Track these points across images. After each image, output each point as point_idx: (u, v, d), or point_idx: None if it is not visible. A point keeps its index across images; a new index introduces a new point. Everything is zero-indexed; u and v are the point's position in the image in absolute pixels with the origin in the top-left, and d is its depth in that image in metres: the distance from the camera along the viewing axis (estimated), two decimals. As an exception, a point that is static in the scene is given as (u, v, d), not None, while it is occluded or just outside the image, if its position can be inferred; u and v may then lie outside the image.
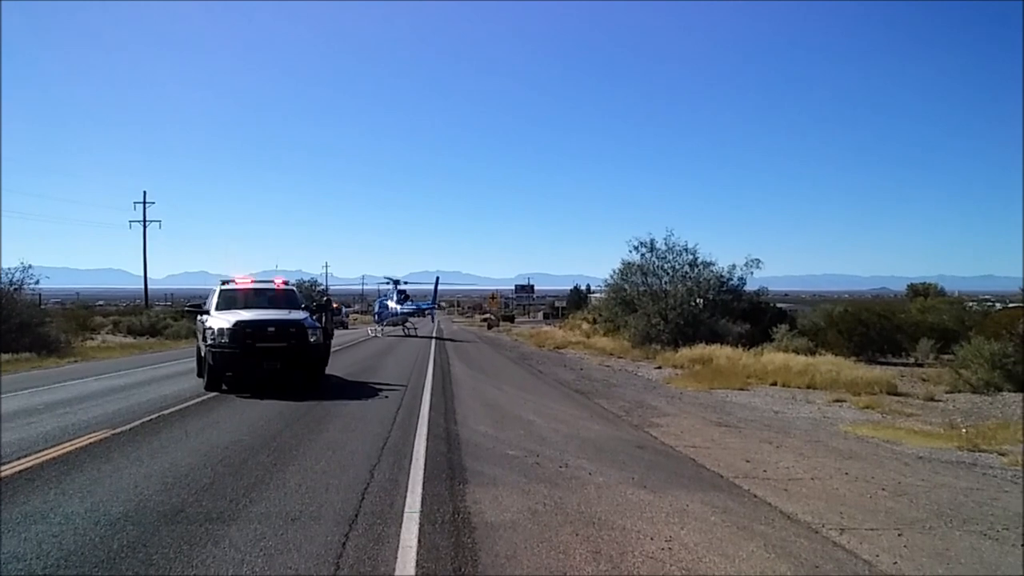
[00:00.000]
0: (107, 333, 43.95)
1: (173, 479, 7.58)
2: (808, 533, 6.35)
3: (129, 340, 39.67)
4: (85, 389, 16.02)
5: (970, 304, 41.97)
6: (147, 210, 62.36)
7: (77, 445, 9.30)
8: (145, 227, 62.08)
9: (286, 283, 18.67)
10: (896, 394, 17.12)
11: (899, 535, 6.31)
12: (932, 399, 16.46)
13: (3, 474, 7.69)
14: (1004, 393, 16.89)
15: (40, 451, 8.87)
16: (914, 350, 26.10)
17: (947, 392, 17.53)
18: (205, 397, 14.16)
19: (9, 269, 29.71)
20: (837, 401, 16.13)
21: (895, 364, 24.99)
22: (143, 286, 65.30)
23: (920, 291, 46.35)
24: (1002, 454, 10.26)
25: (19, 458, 8.45)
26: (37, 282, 31.04)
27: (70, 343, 30.91)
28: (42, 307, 37.20)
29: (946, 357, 23.57)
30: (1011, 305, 36.58)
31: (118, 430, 10.43)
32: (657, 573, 5.24)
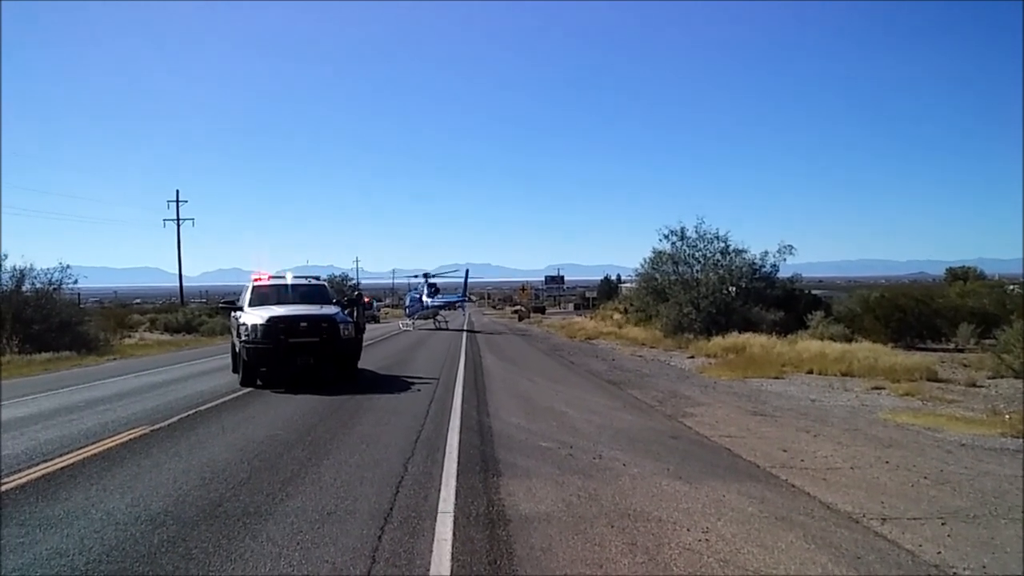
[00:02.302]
0: (144, 331, 44.75)
1: (211, 474, 7.68)
2: (848, 523, 6.24)
3: (166, 337, 40.34)
4: (124, 386, 16.31)
5: (1011, 287, 41.04)
6: (180, 208, 63.41)
7: (117, 441, 9.47)
8: (179, 225, 63.09)
9: (317, 279, 18.84)
10: (936, 380, 16.77)
11: (943, 524, 6.18)
12: (974, 385, 16.10)
13: (46, 471, 7.85)
14: (1049, 378, 16.47)
15: (82, 447, 9.05)
16: (954, 335, 25.56)
17: (989, 378, 17.13)
18: (240, 392, 14.33)
19: (48, 269, 30.37)
20: (875, 388, 15.85)
21: (934, 350, 24.50)
22: (178, 284, 66.35)
23: (959, 275, 45.48)
24: (1048, 440, 10.00)
25: (61, 455, 8.62)
26: (76, 281, 31.69)
27: (108, 341, 31.52)
28: (81, 306, 37.99)
29: (987, 342, 23.06)
30: (1054, 287, 35.72)
31: (157, 426, 10.61)
32: (695, 564, 5.19)
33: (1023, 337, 17.64)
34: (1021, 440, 10.11)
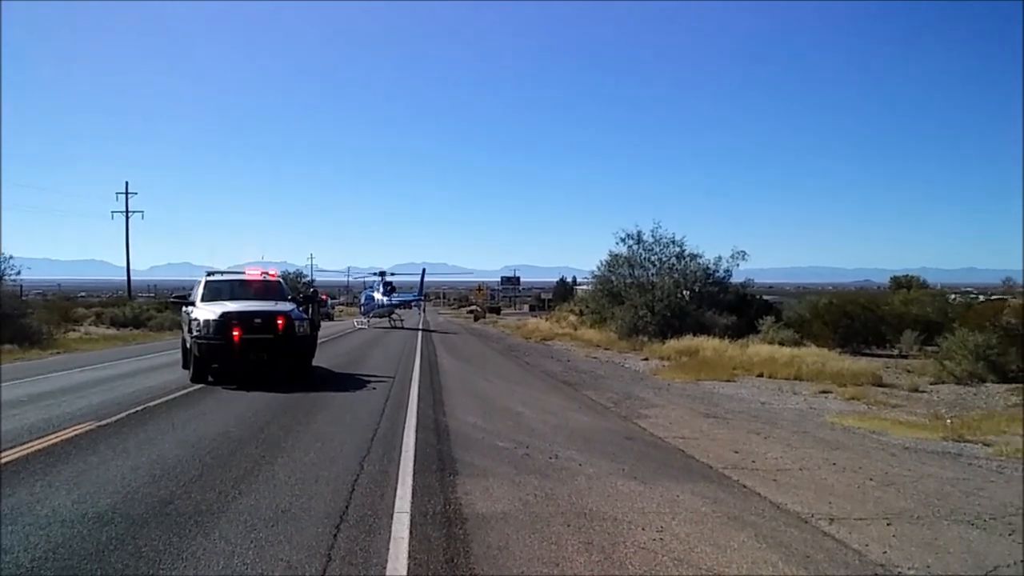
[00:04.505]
0: (90, 324, 43.46)
1: (161, 471, 7.52)
2: (798, 523, 6.38)
3: (112, 332, 39.31)
4: (69, 381, 15.86)
5: (953, 296, 42.32)
6: (129, 200, 61.89)
7: (62, 437, 9.21)
8: (128, 218, 61.62)
9: (273, 274, 18.57)
10: (881, 385, 17.24)
11: (888, 525, 6.35)
12: (917, 390, 16.60)
13: (-13, 467, 7.60)
14: (988, 384, 17.05)
15: (25, 443, 8.77)
16: (898, 342, 26.27)
17: (931, 383, 17.67)
18: (191, 389, 14.05)
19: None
20: (823, 392, 16.23)
21: (880, 356, 25.16)
22: (126, 277, 64.79)
23: (903, 283, 46.62)
24: (987, 444, 10.35)
25: (4, 450, 8.35)
26: (18, 273, 30.77)
27: (52, 335, 30.54)
28: (23, 298, 36.79)
29: (930, 348, 23.76)
30: (993, 297, 36.95)
31: (104, 422, 10.34)
32: (649, 563, 5.25)
33: (964, 345, 18.23)
34: (962, 444, 10.46)
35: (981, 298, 41.32)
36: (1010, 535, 6.13)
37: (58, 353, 25.01)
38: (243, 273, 18.00)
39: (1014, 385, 16.53)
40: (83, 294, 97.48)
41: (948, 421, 11.96)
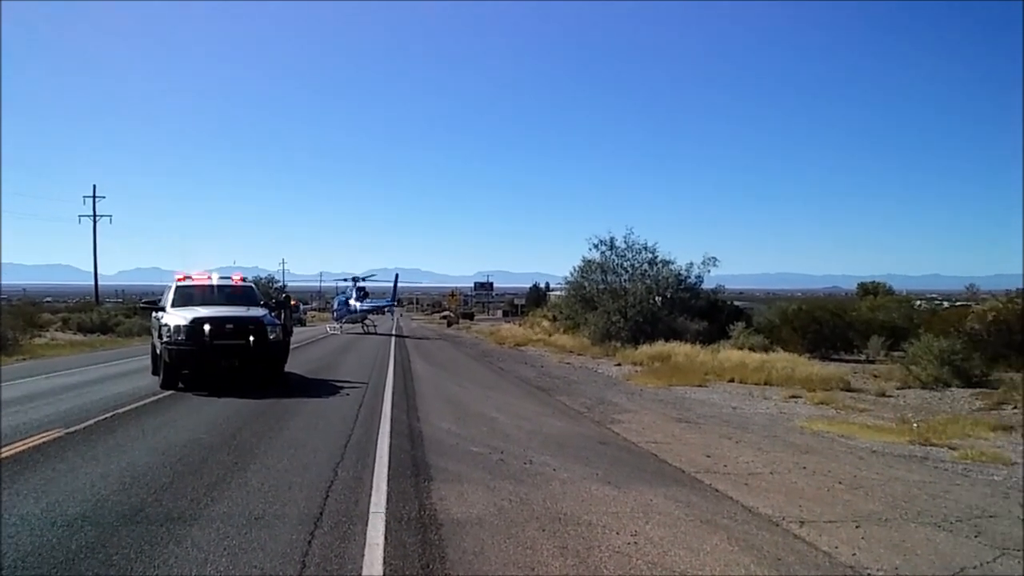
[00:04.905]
0: (56, 330, 42.78)
1: (131, 478, 7.43)
2: (769, 526, 6.47)
3: (79, 337, 38.68)
4: (35, 387, 15.59)
5: (918, 302, 43.09)
6: (97, 204, 61.02)
7: (30, 444, 9.07)
8: (95, 222, 60.74)
9: (244, 279, 18.40)
10: (849, 390, 17.51)
11: (857, 527, 6.46)
12: (884, 395, 16.87)
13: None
14: (953, 389, 17.37)
15: (-9, 451, 8.62)
16: (866, 347, 26.69)
17: (898, 388, 17.96)
18: (161, 395, 13.88)
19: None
20: (793, 397, 16.43)
21: (847, 361, 25.52)
22: (93, 282, 63.82)
23: (870, 289, 47.30)
24: (952, 448, 10.55)
25: (-31, 458, 8.20)
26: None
27: (18, 340, 29.97)
28: (-12, 303, 36.09)
29: (896, 354, 24.15)
30: (958, 303, 37.66)
31: (72, 429, 10.19)
32: (624, 567, 5.30)
33: (929, 350, 18.56)
34: (928, 448, 10.65)
35: (946, 304, 42.13)
36: (976, 537, 6.27)
37: (24, 359, 24.53)
38: (206, 278, 17.73)
39: (978, 389, 16.88)
40: (49, 299, 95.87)
41: (914, 425, 12.16)
